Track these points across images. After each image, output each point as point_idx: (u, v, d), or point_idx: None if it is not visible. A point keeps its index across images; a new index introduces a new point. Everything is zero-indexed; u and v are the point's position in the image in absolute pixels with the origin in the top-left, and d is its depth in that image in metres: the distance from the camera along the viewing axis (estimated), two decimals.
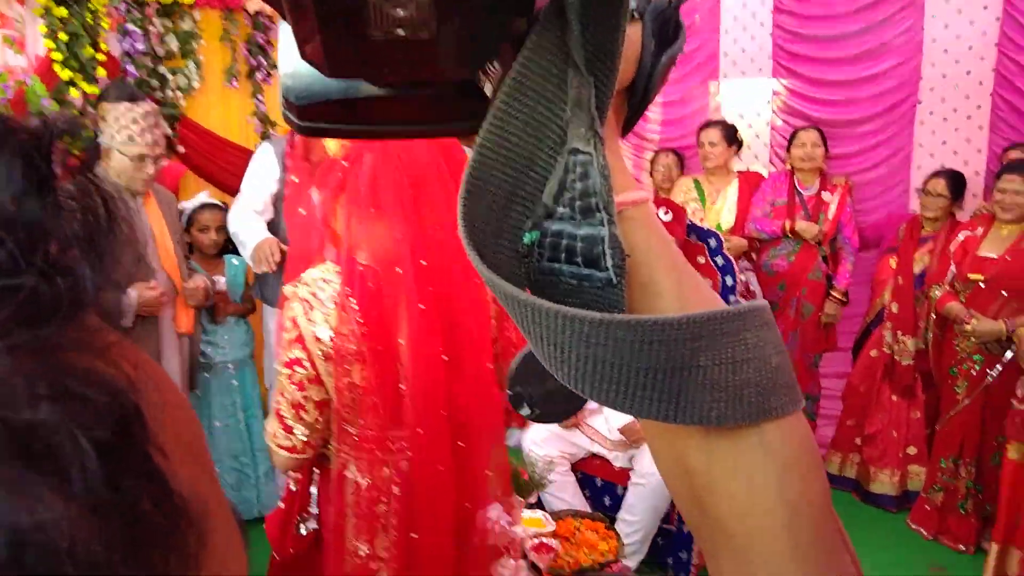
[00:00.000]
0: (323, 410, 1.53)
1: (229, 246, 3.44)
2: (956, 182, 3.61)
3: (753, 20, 4.63)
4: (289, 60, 0.44)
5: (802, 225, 3.91)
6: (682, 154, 4.64)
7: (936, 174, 3.69)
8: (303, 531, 1.70)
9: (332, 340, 1.46)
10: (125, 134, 2.80)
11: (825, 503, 0.42)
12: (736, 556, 0.41)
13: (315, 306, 1.49)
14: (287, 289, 1.55)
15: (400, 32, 0.37)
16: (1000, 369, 3.17)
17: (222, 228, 3.37)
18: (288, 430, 1.53)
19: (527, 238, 0.42)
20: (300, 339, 1.49)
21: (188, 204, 3.48)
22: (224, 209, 3.40)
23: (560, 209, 0.41)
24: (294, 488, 1.73)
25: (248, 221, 3.30)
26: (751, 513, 0.40)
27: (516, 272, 0.43)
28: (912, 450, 3.65)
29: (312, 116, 0.46)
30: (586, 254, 0.40)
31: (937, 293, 3.38)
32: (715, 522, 0.42)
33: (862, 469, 3.81)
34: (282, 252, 3.19)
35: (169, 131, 3.86)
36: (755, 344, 0.39)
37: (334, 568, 1.60)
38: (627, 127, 0.47)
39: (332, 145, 1.61)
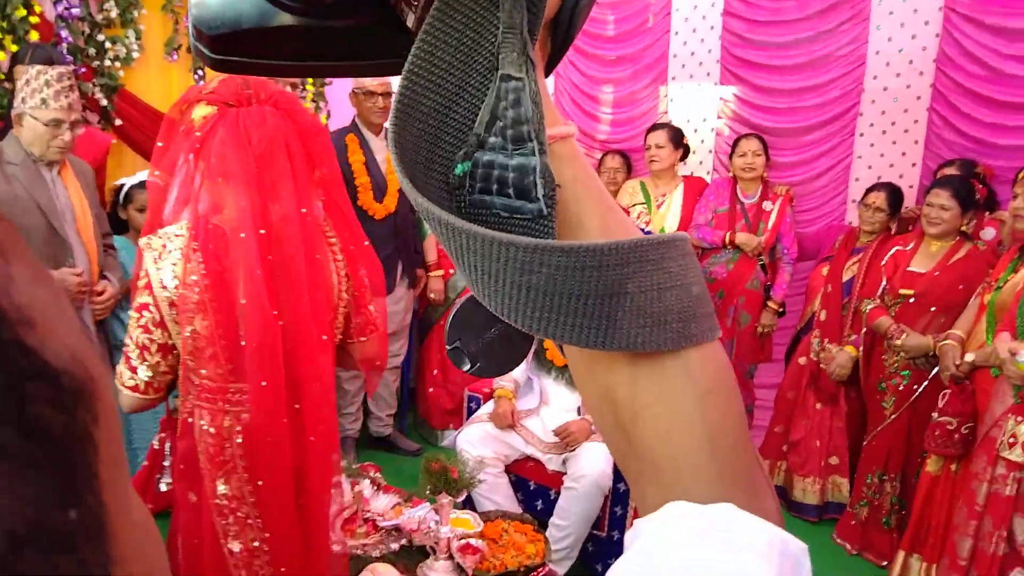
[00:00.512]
0: (166, 354, 1.65)
1: None
2: (895, 196, 3.69)
3: (703, 23, 4.65)
4: None
5: (742, 238, 3.95)
6: (629, 156, 4.65)
7: (876, 187, 3.76)
8: (162, 487, 1.80)
9: (176, 288, 1.59)
10: (38, 97, 2.67)
11: (743, 427, 0.43)
12: (661, 481, 0.42)
13: (164, 256, 1.61)
14: (142, 241, 1.68)
15: None
16: (927, 384, 3.26)
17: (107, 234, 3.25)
18: (133, 371, 1.65)
19: (459, 169, 0.42)
20: (148, 286, 1.62)
21: (128, 180, 3.35)
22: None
23: (492, 139, 0.41)
24: (157, 447, 1.86)
25: None
26: (675, 437, 0.41)
27: (447, 204, 0.43)
28: (834, 460, 3.71)
29: (224, 49, 0.44)
30: (517, 184, 0.41)
31: (867, 307, 3.45)
32: (640, 449, 0.43)
33: (787, 476, 3.86)
34: None
35: (105, 102, 3.71)
36: (678, 272, 0.40)
37: (179, 515, 1.75)
38: (550, 65, 0.47)
39: (197, 117, 1.67)
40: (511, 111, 0.40)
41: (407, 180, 0.39)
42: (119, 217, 3.43)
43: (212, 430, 1.65)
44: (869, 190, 3.76)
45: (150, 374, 1.65)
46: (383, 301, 2.00)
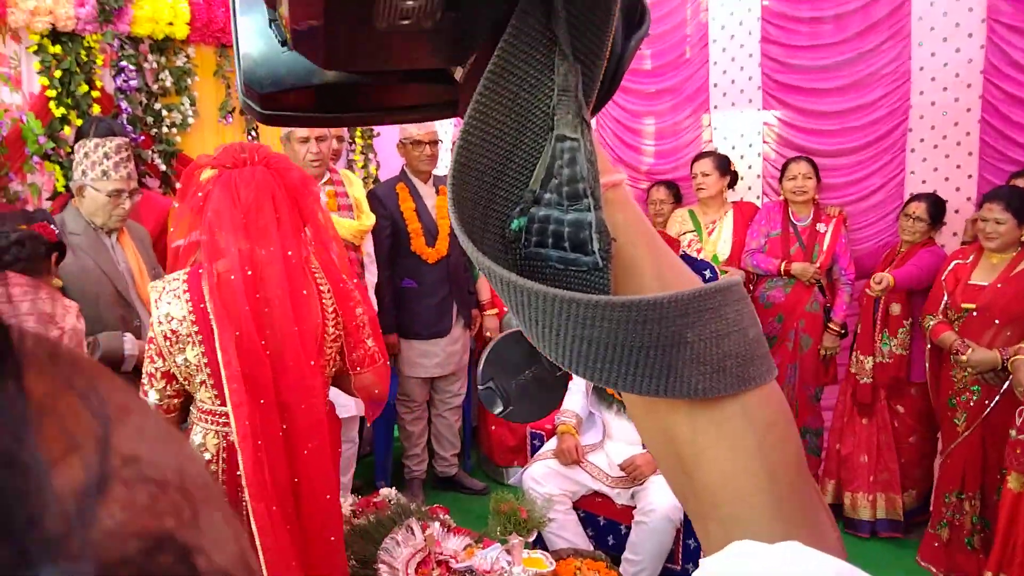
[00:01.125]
0: (169, 381, 1.93)
1: None
2: (936, 206, 3.63)
3: (741, 51, 4.67)
4: (252, 46, 0.44)
5: (798, 268, 3.92)
6: (677, 185, 4.66)
7: (916, 197, 3.73)
8: None
9: (170, 322, 1.87)
10: (99, 169, 2.76)
11: (800, 463, 0.45)
12: (723, 520, 0.43)
13: (163, 297, 1.91)
14: (149, 285, 2.00)
15: (405, 23, 0.37)
16: (999, 399, 3.17)
17: None
18: (145, 395, 1.93)
19: (515, 224, 0.43)
20: (150, 323, 1.93)
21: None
22: None
23: (547, 195, 0.42)
24: None
25: None
26: (736, 478, 0.43)
27: (503, 258, 0.44)
28: (884, 475, 3.65)
29: (273, 104, 0.45)
30: (573, 239, 0.41)
31: (931, 323, 3.38)
32: (702, 489, 0.44)
33: (839, 494, 3.82)
34: None
35: (164, 167, 3.86)
36: (735, 318, 0.41)
37: None
38: (595, 110, 0.48)
39: (203, 179, 1.96)
40: (567, 169, 0.42)
41: (467, 238, 0.40)
42: None
43: (203, 445, 1.95)
44: (910, 200, 3.74)
45: (158, 398, 1.94)
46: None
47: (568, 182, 0.41)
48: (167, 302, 1.90)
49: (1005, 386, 3.13)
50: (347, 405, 3.60)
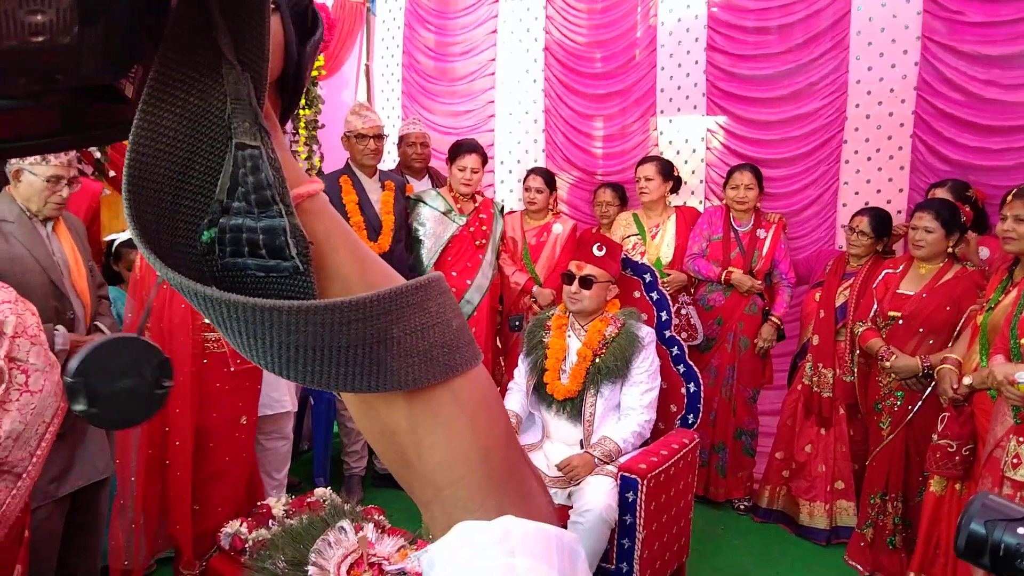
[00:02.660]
0: None
1: None
2: (880, 221, 3.73)
3: (688, 57, 4.75)
4: None
5: (737, 278, 4.01)
6: (623, 188, 4.71)
7: (860, 212, 3.81)
8: None
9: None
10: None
11: (510, 437, 0.48)
12: (445, 502, 0.46)
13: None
14: None
15: (38, 39, 0.35)
16: (921, 404, 3.29)
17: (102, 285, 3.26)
18: None
19: (205, 236, 0.42)
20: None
21: (118, 237, 3.37)
22: None
23: (236, 204, 0.42)
24: None
25: None
26: (453, 460, 0.45)
27: (199, 271, 0.43)
28: (840, 484, 3.72)
29: None
30: (269, 245, 0.41)
31: (860, 329, 3.48)
32: (424, 476, 0.46)
33: (790, 502, 3.87)
34: None
35: (99, 154, 3.74)
36: (437, 311, 0.43)
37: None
38: (284, 117, 0.49)
39: None
40: (251, 177, 0.41)
41: (152, 254, 0.39)
42: (112, 269, 3.44)
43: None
44: (855, 215, 3.81)
45: None
46: None
47: (255, 189, 0.41)
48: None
49: (928, 392, 3.25)
50: (281, 401, 3.55)
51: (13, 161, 2.72)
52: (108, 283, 3.35)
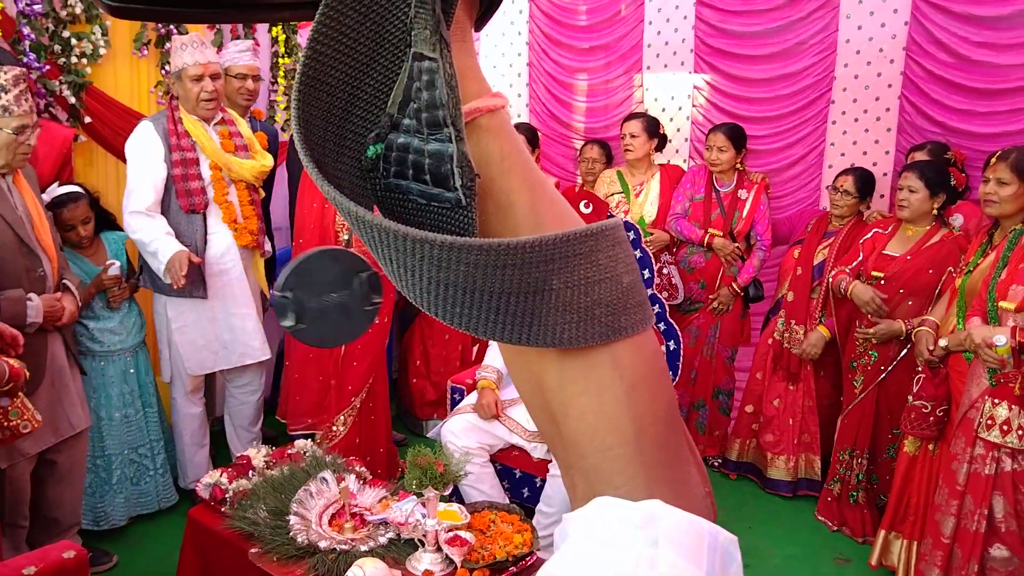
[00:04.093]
0: None
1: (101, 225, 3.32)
2: (864, 181, 3.73)
3: (676, 12, 4.67)
4: None
5: (719, 243, 4.02)
6: (609, 145, 4.67)
7: (845, 172, 3.80)
8: None
9: None
10: None
11: (672, 417, 0.43)
12: (588, 472, 0.42)
13: None
14: None
15: None
16: (895, 365, 3.33)
17: (88, 219, 3.19)
18: None
19: (371, 151, 0.40)
20: None
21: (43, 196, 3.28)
22: (84, 195, 3.20)
23: (406, 120, 0.39)
24: None
25: (154, 229, 3.18)
26: (602, 429, 0.41)
27: (361, 186, 0.40)
28: (806, 438, 3.80)
29: None
30: (434, 172, 0.38)
31: (843, 281, 3.46)
32: (568, 438, 0.43)
33: (759, 455, 3.95)
34: (191, 263, 3.10)
35: (73, 99, 3.63)
36: (607, 264, 0.39)
37: None
38: (480, 23, 0.45)
39: None
40: (425, 93, 0.38)
41: (313, 165, 0.37)
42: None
43: None
44: (839, 175, 3.81)
45: None
46: None
47: (427, 107, 0.38)
48: None
49: (903, 353, 3.29)
50: (256, 350, 3.52)
51: None
52: (101, 227, 3.33)
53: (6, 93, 2.56)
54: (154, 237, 3.15)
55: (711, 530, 0.38)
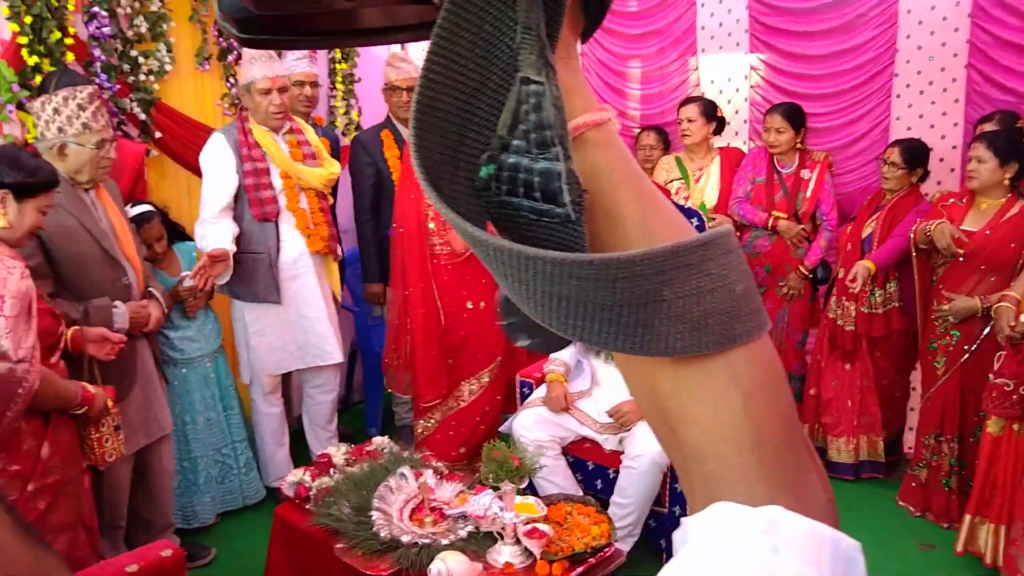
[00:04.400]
0: None
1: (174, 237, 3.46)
2: (911, 152, 3.62)
3: None
4: None
5: (783, 226, 3.96)
6: (666, 131, 4.63)
7: (893, 143, 3.72)
8: None
9: None
10: (77, 124, 2.65)
11: (791, 423, 0.43)
12: (707, 479, 0.42)
13: None
14: None
15: None
16: (978, 344, 3.23)
17: (161, 236, 3.33)
18: None
19: (484, 172, 0.41)
20: None
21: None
22: (156, 213, 3.34)
23: (515, 142, 0.40)
24: None
25: (217, 235, 3.32)
26: (719, 437, 0.41)
27: (476, 205, 0.42)
28: (866, 419, 3.73)
29: (250, 29, 0.44)
30: (544, 189, 0.40)
31: (927, 224, 3.34)
32: (685, 445, 0.43)
33: (823, 437, 3.90)
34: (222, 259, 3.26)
35: (144, 116, 3.77)
36: (719, 273, 0.40)
37: None
38: (586, 35, 0.46)
39: None
40: (533, 115, 0.40)
41: (431, 189, 0.39)
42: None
43: None
44: (888, 146, 3.73)
45: None
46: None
47: (536, 128, 0.40)
48: None
49: (986, 331, 3.19)
50: (331, 353, 3.62)
51: (48, 136, 2.67)
52: (174, 238, 3.46)
53: (83, 111, 2.67)
54: (215, 243, 3.28)
55: (833, 536, 0.38)
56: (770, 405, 0.42)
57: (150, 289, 2.99)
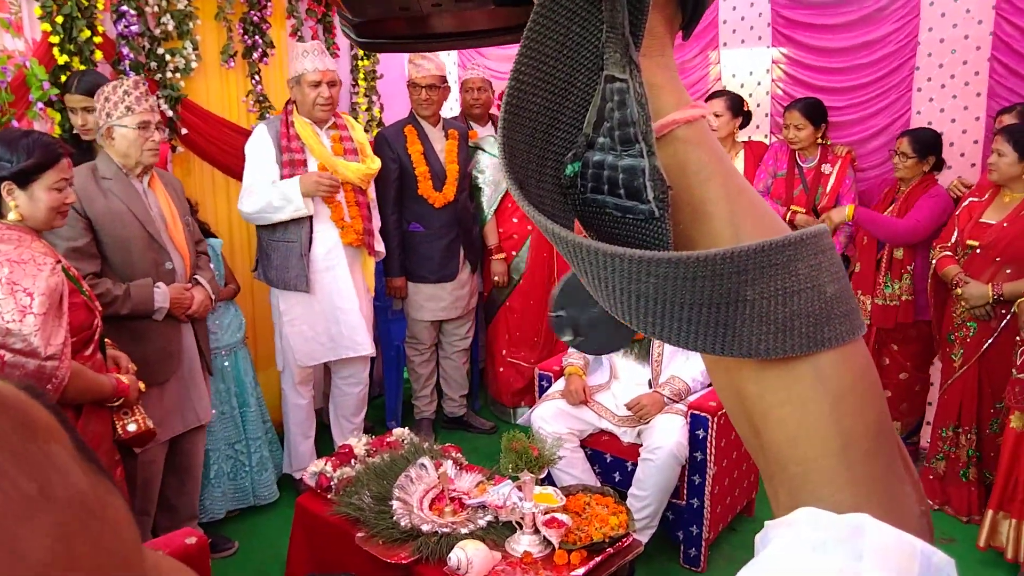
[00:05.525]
0: None
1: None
2: (921, 141, 3.61)
3: None
4: None
5: (801, 220, 3.95)
6: None
7: (902, 134, 3.71)
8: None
9: None
10: (122, 107, 2.77)
11: (882, 430, 0.41)
12: (791, 482, 0.41)
13: None
14: None
15: None
16: (997, 336, 3.22)
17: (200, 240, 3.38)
18: None
19: (569, 170, 0.42)
20: None
21: None
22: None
23: (600, 139, 0.41)
24: None
25: (264, 195, 3.42)
26: (805, 441, 0.40)
27: (561, 203, 0.43)
28: None
29: (369, 33, 0.48)
30: (628, 186, 0.40)
31: (939, 255, 3.40)
32: (770, 449, 0.42)
33: None
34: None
35: (171, 113, 3.84)
36: (808, 274, 0.38)
37: None
38: (687, 30, 0.46)
39: None
40: (617, 113, 0.40)
41: (516, 187, 0.39)
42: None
43: None
44: (898, 136, 3.71)
45: None
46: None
47: (620, 126, 0.40)
48: None
49: (1004, 323, 3.18)
50: (363, 344, 3.67)
51: (100, 124, 2.82)
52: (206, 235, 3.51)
53: (128, 96, 2.79)
54: (270, 197, 3.39)
55: (924, 549, 0.36)
56: (861, 411, 0.40)
57: (196, 277, 3.06)
